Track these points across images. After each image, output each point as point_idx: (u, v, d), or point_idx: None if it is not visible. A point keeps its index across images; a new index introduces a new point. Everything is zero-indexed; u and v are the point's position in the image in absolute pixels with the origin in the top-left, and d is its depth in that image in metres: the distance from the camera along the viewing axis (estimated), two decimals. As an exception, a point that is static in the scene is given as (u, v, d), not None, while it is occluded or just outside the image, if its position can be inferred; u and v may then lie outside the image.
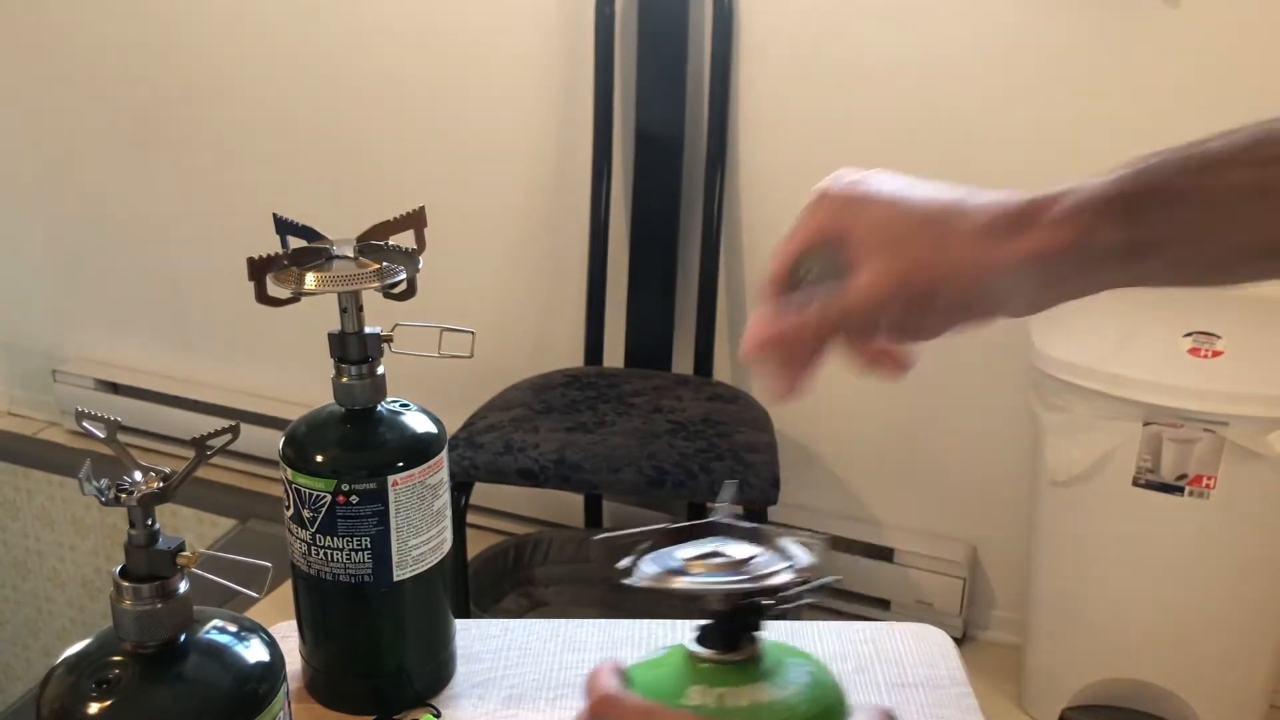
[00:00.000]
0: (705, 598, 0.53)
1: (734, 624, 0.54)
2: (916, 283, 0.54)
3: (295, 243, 0.75)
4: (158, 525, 0.57)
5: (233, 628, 0.60)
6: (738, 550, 0.54)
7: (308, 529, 0.76)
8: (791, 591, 0.53)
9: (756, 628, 0.55)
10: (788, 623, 0.88)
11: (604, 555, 0.55)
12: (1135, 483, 1.64)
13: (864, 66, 1.89)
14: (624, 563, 0.53)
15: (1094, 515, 1.70)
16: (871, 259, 0.55)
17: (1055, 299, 0.55)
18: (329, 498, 0.74)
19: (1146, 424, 1.60)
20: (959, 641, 2.01)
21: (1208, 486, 1.60)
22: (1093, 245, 0.53)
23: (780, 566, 0.52)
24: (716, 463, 1.67)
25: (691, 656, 0.54)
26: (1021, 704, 1.90)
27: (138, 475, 0.57)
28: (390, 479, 0.75)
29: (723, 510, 0.57)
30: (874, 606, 2.11)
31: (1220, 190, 0.52)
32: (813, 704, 0.52)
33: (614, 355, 2.11)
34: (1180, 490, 1.62)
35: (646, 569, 0.53)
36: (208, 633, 0.59)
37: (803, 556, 0.53)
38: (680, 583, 0.51)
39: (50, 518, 2.68)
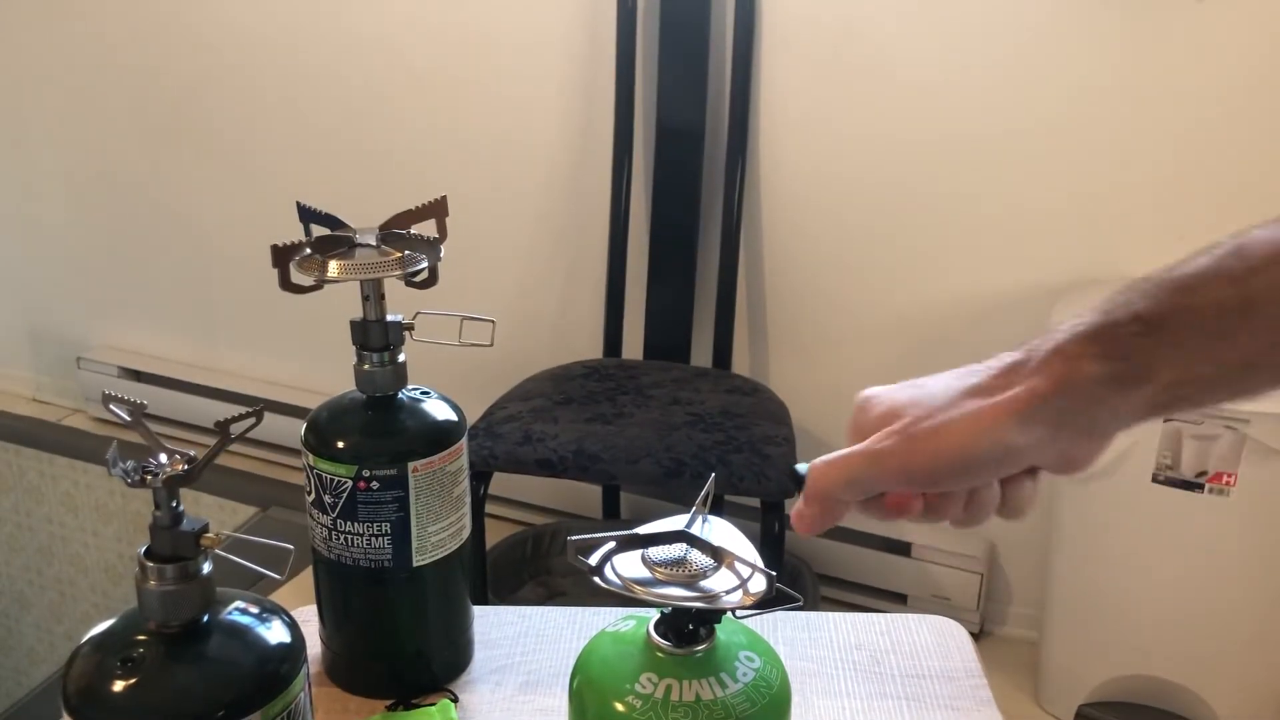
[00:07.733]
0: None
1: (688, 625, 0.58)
2: (919, 454, 0.56)
3: (319, 231, 0.76)
4: (182, 507, 0.58)
5: (255, 609, 0.61)
6: (701, 560, 0.57)
7: (329, 514, 0.77)
8: (740, 613, 0.57)
9: (711, 626, 0.58)
10: (803, 613, 0.88)
11: (577, 555, 0.57)
12: (1155, 479, 1.63)
13: (886, 60, 1.88)
14: (594, 559, 0.56)
15: (1113, 512, 1.70)
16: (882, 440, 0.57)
17: (1076, 444, 0.55)
18: (350, 483, 0.75)
19: (1166, 420, 1.59)
20: (976, 637, 2.00)
21: (1228, 484, 1.60)
22: (1077, 383, 0.53)
23: (733, 587, 0.56)
24: (734, 455, 1.67)
25: (649, 641, 0.57)
26: (1038, 700, 1.90)
27: (163, 457, 0.58)
28: (411, 465, 0.76)
29: (697, 510, 0.60)
30: (891, 601, 2.11)
31: (1202, 310, 0.52)
32: (751, 704, 0.57)
33: (633, 347, 2.12)
34: (1200, 487, 1.61)
35: (616, 571, 0.57)
36: (230, 613, 0.60)
37: (758, 581, 0.57)
38: (641, 592, 0.56)
39: (74, 504, 2.70)
